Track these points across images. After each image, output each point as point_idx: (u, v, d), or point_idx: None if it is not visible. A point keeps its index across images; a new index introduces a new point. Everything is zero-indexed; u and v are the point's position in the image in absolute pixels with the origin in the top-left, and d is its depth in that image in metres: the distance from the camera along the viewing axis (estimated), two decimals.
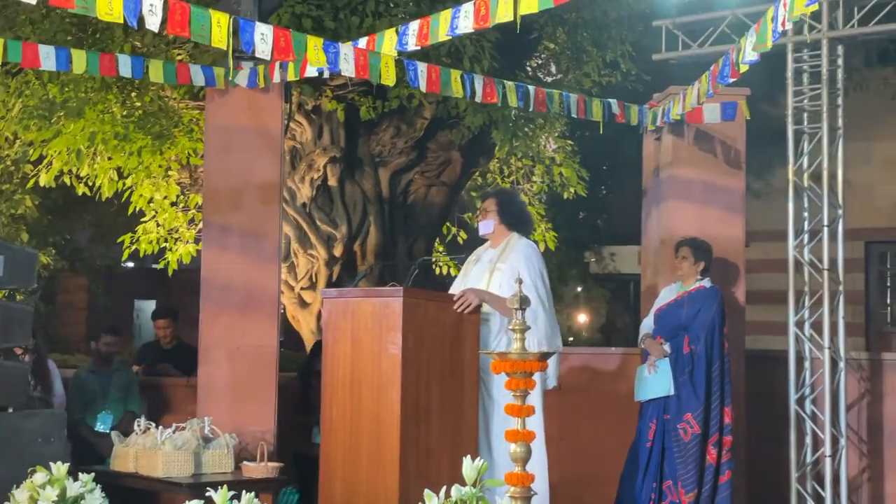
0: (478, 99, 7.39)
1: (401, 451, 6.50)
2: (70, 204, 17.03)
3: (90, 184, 12.32)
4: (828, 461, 8.80)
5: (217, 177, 8.65)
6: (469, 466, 4.46)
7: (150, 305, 26.83)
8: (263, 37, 5.88)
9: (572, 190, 13.94)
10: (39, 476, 6.48)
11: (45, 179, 12.04)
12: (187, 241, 13.23)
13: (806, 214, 9.14)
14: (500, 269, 7.17)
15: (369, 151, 12.07)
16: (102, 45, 10.56)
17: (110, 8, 5.37)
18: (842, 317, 8.99)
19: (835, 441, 8.85)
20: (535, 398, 6.98)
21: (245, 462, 7.86)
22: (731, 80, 6.44)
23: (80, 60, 7.67)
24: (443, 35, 6.31)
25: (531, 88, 7.76)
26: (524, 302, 5.52)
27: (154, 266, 26.16)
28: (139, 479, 7.76)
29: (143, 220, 13.19)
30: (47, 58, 7.47)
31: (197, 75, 8.31)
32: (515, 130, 11.51)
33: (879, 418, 9.52)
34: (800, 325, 9.09)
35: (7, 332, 7.16)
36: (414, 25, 6.55)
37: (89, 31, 10.93)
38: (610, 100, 8.43)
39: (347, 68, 6.30)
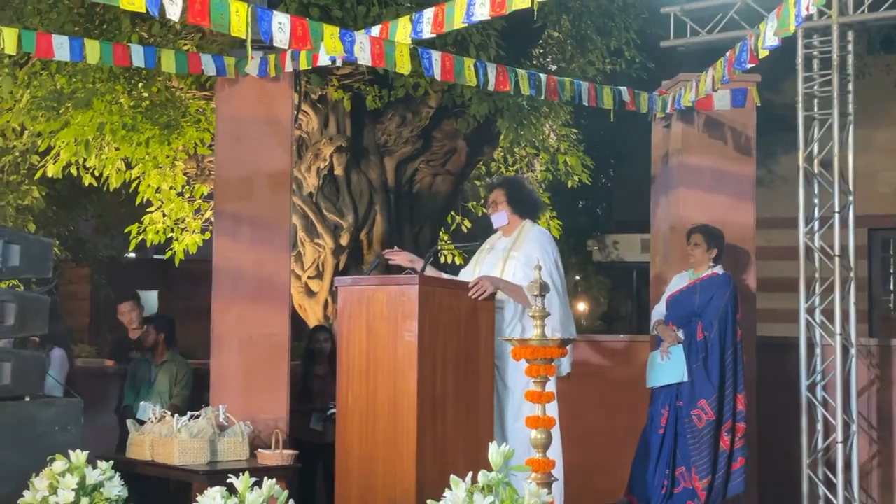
0: (491, 87, 7.40)
1: (418, 438, 6.51)
2: (74, 195, 17.03)
3: (97, 174, 12.32)
4: (839, 447, 8.82)
5: (228, 166, 8.66)
6: (495, 452, 4.48)
7: (152, 296, 26.89)
8: (281, 26, 5.89)
9: (576, 178, 13.97)
10: (59, 464, 6.51)
11: (52, 170, 12.05)
12: (193, 231, 13.26)
13: (816, 201, 9.15)
14: (515, 257, 7.18)
15: (375, 140, 12.06)
16: (110, 36, 10.55)
17: None
18: (853, 303, 9.01)
19: (846, 427, 8.87)
20: (549, 386, 7.03)
21: (260, 450, 7.88)
22: (749, 66, 6.44)
23: (93, 50, 7.67)
24: (458, 23, 6.30)
25: (543, 76, 7.77)
26: (543, 288, 5.54)
27: (156, 257, 26.24)
28: (155, 467, 7.78)
29: (149, 210, 13.23)
30: (61, 48, 7.48)
31: (208, 65, 8.32)
32: (521, 119, 11.51)
33: (889, 405, 9.56)
34: (810, 311, 9.12)
35: (23, 321, 7.19)
36: (429, 13, 6.54)
37: (96, 21, 10.93)
38: (620, 87, 8.43)
39: (363, 57, 6.31)
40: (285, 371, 8.57)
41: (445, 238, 14.22)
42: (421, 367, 6.56)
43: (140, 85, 11.15)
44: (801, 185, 9.11)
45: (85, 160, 11.77)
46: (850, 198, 9.03)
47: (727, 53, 6.90)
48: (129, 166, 12.29)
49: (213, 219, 13.12)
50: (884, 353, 9.61)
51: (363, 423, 6.82)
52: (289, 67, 8.14)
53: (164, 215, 13.16)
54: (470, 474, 4.70)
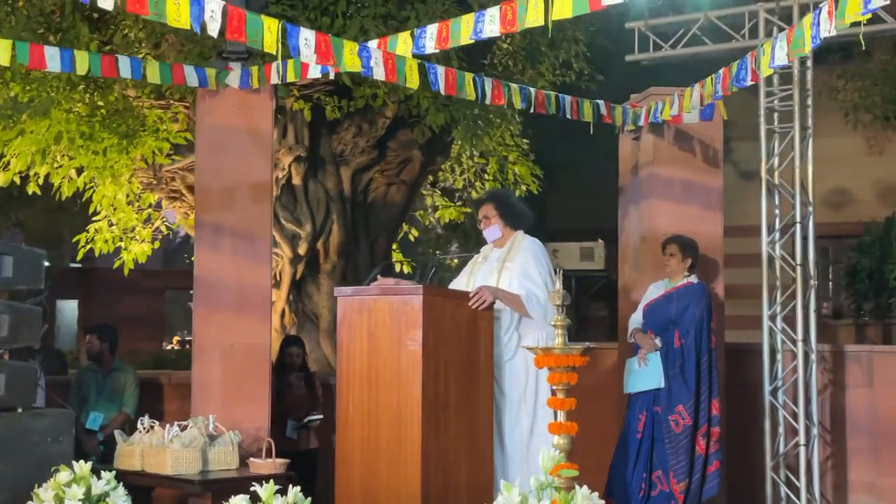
0: (488, 101, 7.56)
1: (422, 446, 6.64)
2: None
3: (41, 183, 12.22)
4: (802, 450, 9.13)
5: (208, 177, 8.70)
6: (546, 457, 4.63)
7: (70, 305, 26.64)
8: (307, 41, 6.00)
9: (524, 188, 14.18)
10: (64, 475, 6.54)
11: (2, 180, 11.96)
12: (142, 241, 13.25)
13: (777, 212, 9.47)
14: (510, 268, 7.34)
15: (331, 150, 12.15)
16: (67, 45, 10.52)
17: (178, 14, 5.48)
18: (813, 310, 9.33)
19: (807, 430, 9.18)
20: (544, 394, 7.21)
21: (252, 459, 7.93)
22: (750, 83, 6.67)
23: (82, 61, 7.71)
24: (465, 39, 6.44)
25: (532, 90, 7.95)
26: (566, 298, 5.70)
27: (73, 265, 26.01)
28: (145, 477, 7.77)
29: (94, 219, 13.19)
30: (52, 59, 7.52)
31: (191, 76, 8.37)
32: (476, 129, 11.66)
33: (841, 408, 9.85)
34: (772, 318, 9.42)
35: (16, 332, 7.20)
36: (432, 29, 6.66)
37: (53, 29, 10.90)
38: (598, 101, 8.63)
39: (378, 72, 6.44)
40: (267, 380, 8.63)
41: (394, 248, 14.33)
42: (425, 376, 6.68)
43: (96, 94, 11.13)
44: (763, 196, 9.41)
45: (39, 169, 11.70)
46: (810, 208, 9.35)
47: (721, 70, 7.12)
48: (79, 174, 12.22)
49: (162, 228, 13.19)
50: (837, 358, 9.93)
51: (364, 431, 6.93)
52: (274, 79, 8.21)
53: (111, 225, 13.13)
54: (518, 479, 4.85)
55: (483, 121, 11.75)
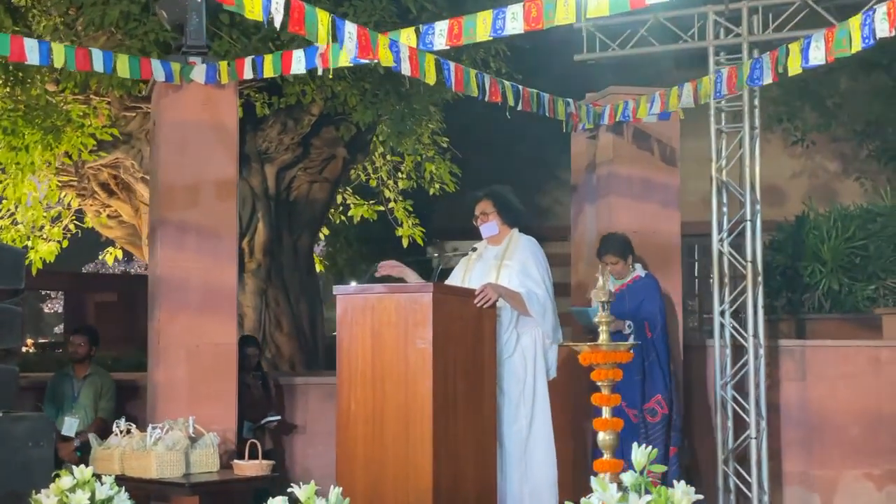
0: (488, 98, 7.53)
1: (434, 443, 6.58)
2: None
3: None
4: (753, 443, 9.34)
5: (171, 173, 8.50)
6: (639, 453, 4.64)
7: None
8: (350, 35, 5.92)
9: (437, 186, 14.19)
10: (66, 480, 6.33)
11: None
12: (50, 240, 12.91)
13: (726, 210, 9.65)
14: (508, 266, 7.32)
15: (256, 148, 12.01)
16: None
17: (252, 7, 5.47)
18: (761, 306, 9.53)
19: (757, 424, 9.39)
20: (541, 391, 7.25)
21: (236, 461, 7.77)
22: (766, 83, 6.75)
23: (59, 55, 7.51)
24: (482, 36, 6.40)
25: (520, 88, 7.95)
26: (610, 296, 5.73)
27: None
28: (126, 482, 7.52)
29: None
30: (32, 51, 7.31)
31: (157, 70, 8.19)
32: (402, 127, 11.64)
33: (776, 401, 10.10)
34: (722, 314, 9.61)
35: None
36: (442, 25, 6.60)
37: None
38: (569, 99, 8.68)
39: (405, 67, 6.39)
40: (233, 380, 8.49)
41: None
42: (436, 374, 6.63)
43: (17, 88, 10.81)
44: (713, 194, 9.60)
45: None
46: (758, 207, 9.55)
47: (724, 70, 7.21)
48: None
49: (71, 227, 12.86)
50: (771, 352, 10.16)
51: (368, 429, 6.82)
52: (248, 75, 8.07)
53: (16, 223, 12.76)
54: (607, 475, 4.86)
55: (409, 119, 11.74)
